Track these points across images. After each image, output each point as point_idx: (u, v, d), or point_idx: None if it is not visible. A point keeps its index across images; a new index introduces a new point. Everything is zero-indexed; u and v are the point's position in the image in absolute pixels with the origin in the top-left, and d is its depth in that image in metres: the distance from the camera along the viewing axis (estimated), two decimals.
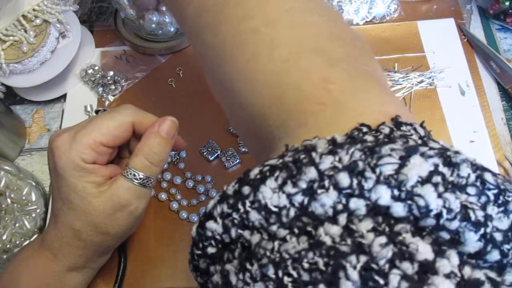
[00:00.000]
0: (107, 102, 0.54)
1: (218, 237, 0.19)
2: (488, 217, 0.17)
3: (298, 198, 0.17)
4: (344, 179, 0.17)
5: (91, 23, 0.61)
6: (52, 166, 0.35)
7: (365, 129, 0.19)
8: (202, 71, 0.56)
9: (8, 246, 0.44)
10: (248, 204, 0.18)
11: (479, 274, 0.15)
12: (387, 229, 0.16)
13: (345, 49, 0.24)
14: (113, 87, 0.55)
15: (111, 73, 0.56)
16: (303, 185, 0.17)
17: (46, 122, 0.55)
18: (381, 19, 0.58)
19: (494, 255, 0.17)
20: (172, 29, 0.54)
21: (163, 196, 0.48)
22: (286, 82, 0.22)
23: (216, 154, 0.49)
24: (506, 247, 0.17)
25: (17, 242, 0.45)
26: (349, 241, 0.16)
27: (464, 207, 0.17)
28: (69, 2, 0.53)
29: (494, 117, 0.50)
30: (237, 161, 0.48)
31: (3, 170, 0.47)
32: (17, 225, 0.45)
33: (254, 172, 0.19)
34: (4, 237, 0.44)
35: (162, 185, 0.48)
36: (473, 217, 0.17)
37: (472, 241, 0.17)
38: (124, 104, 0.37)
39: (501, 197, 0.18)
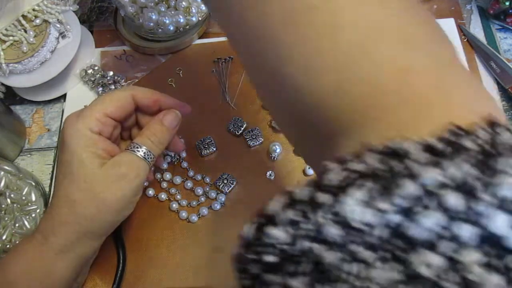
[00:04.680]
0: None
1: (280, 246, 0.17)
2: None
3: (392, 217, 0.15)
4: (452, 199, 0.14)
5: (91, 23, 0.61)
6: (60, 140, 0.38)
7: (458, 132, 0.16)
8: (202, 71, 0.56)
9: (8, 246, 0.44)
10: (325, 215, 0.15)
11: None
12: (500, 264, 0.13)
13: (426, 32, 0.20)
14: (113, 87, 0.55)
15: (111, 73, 0.56)
16: (399, 201, 0.14)
17: (46, 122, 0.55)
18: None
19: None
20: (171, 28, 0.54)
21: (163, 196, 0.48)
22: (354, 69, 0.19)
23: (214, 149, 0.49)
24: None
25: (17, 242, 0.45)
26: (454, 277, 0.13)
27: None
28: (69, 2, 0.53)
29: None
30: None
31: (3, 170, 0.47)
32: (17, 225, 0.45)
33: (334, 177, 0.16)
34: (4, 237, 0.44)
35: (162, 185, 0.48)
36: None
37: None
38: None
39: None
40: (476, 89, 0.20)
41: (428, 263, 0.14)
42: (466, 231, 0.14)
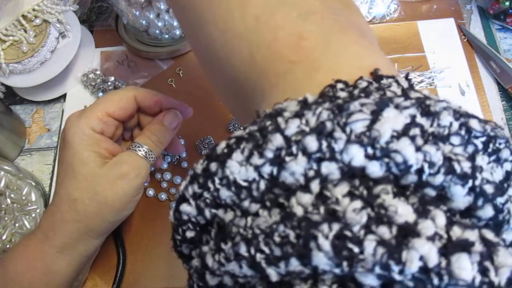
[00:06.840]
0: None
1: (194, 219, 0.18)
2: (476, 168, 0.15)
3: (266, 169, 0.16)
4: (311, 142, 0.15)
5: (91, 23, 0.61)
6: (62, 139, 0.38)
7: (340, 86, 0.18)
8: (202, 71, 0.56)
9: (8, 246, 0.44)
10: (217, 181, 0.17)
11: (470, 234, 0.14)
12: (365, 192, 0.15)
13: (324, 3, 0.22)
14: None
15: (112, 78, 0.56)
16: (269, 154, 0.16)
17: (46, 122, 0.55)
18: (381, 19, 0.58)
19: (487, 211, 0.16)
20: (177, 32, 0.54)
21: (163, 196, 0.48)
22: (258, 41, 0.21)
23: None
24: (499, 200, 0.16)
25: (17, 242, 0.45)
26: (322, 209, 0.15)
27: (447, 159, 0.15)
28: (69, 2, 0.53)
29: (494, 117, 0.50)
30: None
31: (3, 170, 0.47)
32: (17, 225, 0.45)
33: (221, 147, 0.18)
34: (4, 237, 0.44)
35: (162, 185, 0.48)
36: (458, 169, 0.15)
37: (460, 196, 0.15)
38: None
39: (491, 145, 0.16)
40: (368, 48, 0.21)
41: (300, 202, 0.15)
42: (326, 168, 0.15)
